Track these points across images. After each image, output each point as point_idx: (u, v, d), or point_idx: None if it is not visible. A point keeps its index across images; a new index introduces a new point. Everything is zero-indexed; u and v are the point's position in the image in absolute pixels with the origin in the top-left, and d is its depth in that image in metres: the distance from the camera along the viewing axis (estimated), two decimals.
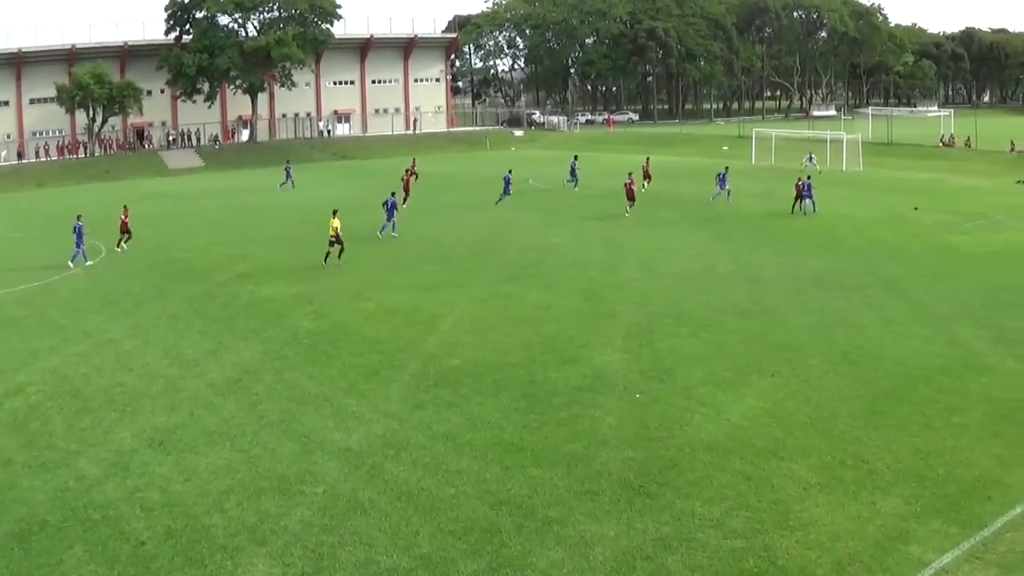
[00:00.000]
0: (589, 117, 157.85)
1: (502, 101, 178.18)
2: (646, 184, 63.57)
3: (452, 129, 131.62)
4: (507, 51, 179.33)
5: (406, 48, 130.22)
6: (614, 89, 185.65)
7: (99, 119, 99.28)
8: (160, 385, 24.82)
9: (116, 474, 18.97)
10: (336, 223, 40.30)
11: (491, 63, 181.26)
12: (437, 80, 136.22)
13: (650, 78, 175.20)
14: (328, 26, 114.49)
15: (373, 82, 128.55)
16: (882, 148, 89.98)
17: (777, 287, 34.68)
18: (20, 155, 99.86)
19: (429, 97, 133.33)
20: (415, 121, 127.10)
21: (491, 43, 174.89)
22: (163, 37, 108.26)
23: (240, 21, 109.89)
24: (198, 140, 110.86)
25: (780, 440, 19.81)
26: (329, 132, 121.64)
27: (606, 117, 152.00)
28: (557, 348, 27.02)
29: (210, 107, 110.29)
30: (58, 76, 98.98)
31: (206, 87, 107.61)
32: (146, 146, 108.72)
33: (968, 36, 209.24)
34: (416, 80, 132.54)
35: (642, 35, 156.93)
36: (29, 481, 18.78)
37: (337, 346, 27.93)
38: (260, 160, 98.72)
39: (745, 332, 28.28)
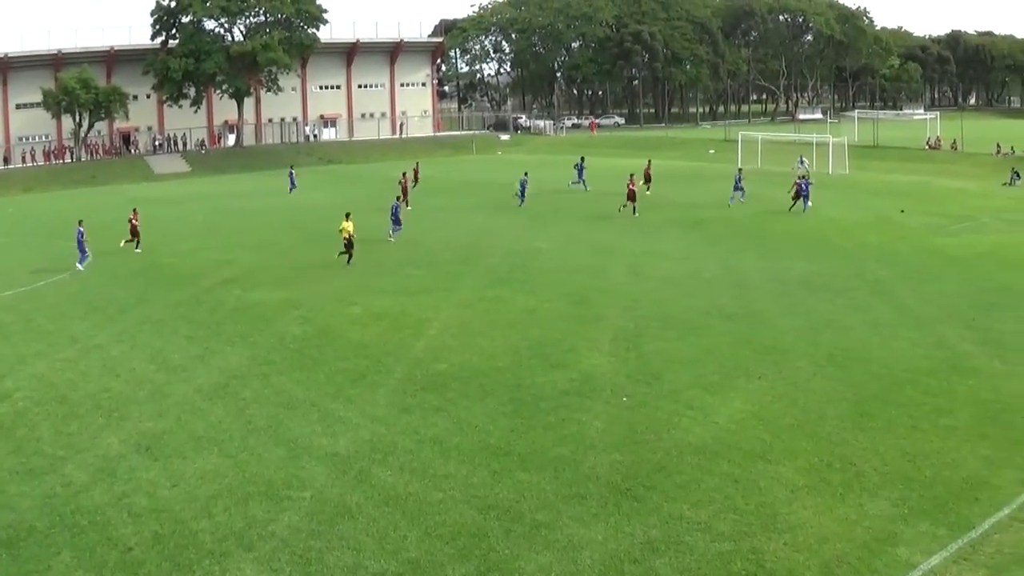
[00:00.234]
0: (575, 121, 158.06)
1: (488, 105, 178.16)
2: (648, 187, 63.66)
3: (438, 133, 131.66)
4: (493, 55, 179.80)
5: (392, 52, 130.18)
6: (600, 93, 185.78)
7: (85, 124, 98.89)
8: (147, 390, 24.75)
9: (103, 480, 18.92)
10: (349, 225, 41.03)
11: (477, 67, 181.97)
12: (423, 84, 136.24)
13: (636, 82, 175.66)
14: (314, 30, 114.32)
15: (359, 86, 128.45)
16: (868, 151, 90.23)
17: (764, 290, 34.74)
18: (6, 160, 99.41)
19: (415, 101, 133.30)
20: (401, 125, 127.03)
21: (477, 47, 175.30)
22: (149, 42, 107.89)
23: (226, 26, 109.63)
24: (184, 145, 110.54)
25: (767, 443, 19.84)
26: (315, 136, 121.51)
27: (591, 121, 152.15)
28: (544, 352, 27.02)
29: (196, 112, 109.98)
30: (44, 81, 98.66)
31: (192, 92, 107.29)
32: (132, 151, 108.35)
33: (954, 39, 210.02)
34: (402, 84, 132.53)
35: (628, 39, 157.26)
36: (16, 487, 18.72)
37: (324, 351, 27.90)
38: (246, 165, 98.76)
39: (732, 335, 28.32)
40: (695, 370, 25.04)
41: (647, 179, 64.74)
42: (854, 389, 23.16)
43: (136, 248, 46.62)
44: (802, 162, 76.26)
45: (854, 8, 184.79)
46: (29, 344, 29.76)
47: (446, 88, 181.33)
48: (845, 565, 15.00)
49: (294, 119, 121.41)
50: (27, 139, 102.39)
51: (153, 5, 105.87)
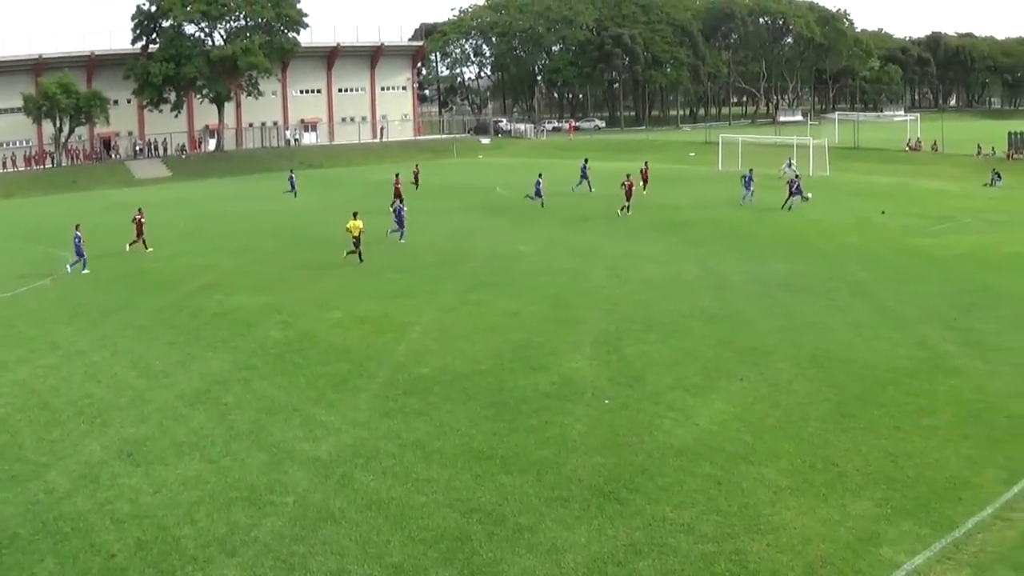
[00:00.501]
0: (556, 124, 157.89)
1: (469, 109, 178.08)
2: (644, 188, 63.88)
3: (419, 137, 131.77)
4: (474, 59, 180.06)
5: (373, 56, 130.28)
6: (581, 96, 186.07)
7: (66, 129, 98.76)
8: (129, 396, 24.65)
9: (86, 486, 18.83)
10: (359, 224, 41.61)
11: (458, 71, 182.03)
12: (404, 88, 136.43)
13: (616, 85, 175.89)
14: (294, 35, 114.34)
15: (340, 91, 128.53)
16: (849, 152, 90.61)
17: (745, 292, 34.79)
18: None
19: (396, 105, 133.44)
20: (382, 129, 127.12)
21: (458, 51, 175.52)
22: (130, 46, 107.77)
23: (207, 30, 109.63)
24: (165, 150, 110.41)
25: (750, 444, 19.87)
26: (296, 141, 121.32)
27: (569, 124, 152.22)
28: (526, 355, 26.98)
29: (177, 116, 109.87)
30: (24, 86, 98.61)
31: (173, 96, 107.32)
32: (113, 156, 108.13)
33: (934, 41, 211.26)
34: (383, 88, 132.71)
35: (608, 42, 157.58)
36: None
37: (305, 355, 27.82)
38: (227, 169, 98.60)
39: (713, 337, 28.35)
40: (677, 372, 25.05)
41: (645, 180, 65.09)
42: (836, 390, 23.21)
43: (147, 249, 47.11)
44: (790, 165, 76.57)
45: (834, 10, 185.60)
46: (11, 350, 29.58)
47: (427, 92, 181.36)
48: (828, 566, 15.03)
49: (275, 123, 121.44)
50: (8, 144, 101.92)
51: (134, 10, 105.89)
